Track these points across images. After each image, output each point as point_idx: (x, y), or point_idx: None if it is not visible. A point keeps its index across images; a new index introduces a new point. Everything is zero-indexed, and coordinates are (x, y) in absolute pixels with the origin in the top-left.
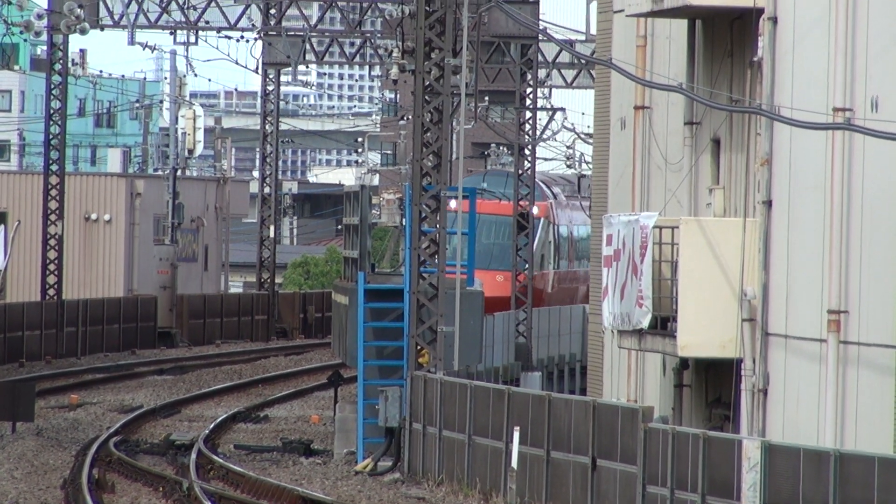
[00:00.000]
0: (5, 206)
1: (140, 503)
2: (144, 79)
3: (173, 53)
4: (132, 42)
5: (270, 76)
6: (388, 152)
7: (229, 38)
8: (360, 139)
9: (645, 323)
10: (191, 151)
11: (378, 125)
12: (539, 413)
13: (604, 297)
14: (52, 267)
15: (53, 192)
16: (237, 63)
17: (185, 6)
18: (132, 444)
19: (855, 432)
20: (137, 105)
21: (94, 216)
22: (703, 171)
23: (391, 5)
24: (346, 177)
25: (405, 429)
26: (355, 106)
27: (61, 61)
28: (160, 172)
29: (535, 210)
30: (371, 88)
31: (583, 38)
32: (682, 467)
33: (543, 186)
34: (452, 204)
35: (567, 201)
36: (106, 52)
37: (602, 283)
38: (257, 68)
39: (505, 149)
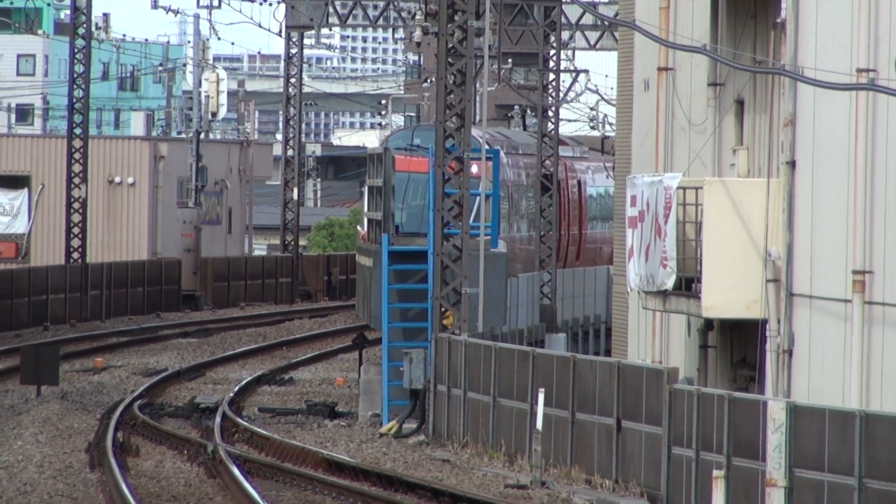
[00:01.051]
0: (29, 170)
1: (165, 466)
2: (168, 42)
3: (196, 17)
4: (155, 6)
5: (293, 39)
6: (412, 114)
7: (252, 1)
8: (383, 101)
9: (669, 284)
10: (214, 114)
11: (401, 87)
12: (564, 375)
13: (628, 258)
14: (76, 230)
15: (77, 156)
16: (260, 26)
17: None
18: (157, 408)
19: (880, 393)
20: (161, 69)
21: (117, 179)
22: (726, 132)
23: None
24: (370, 139)
25: (430, 391)
26: (378, 68)
27: (85, 25)
28: (183, 136)
29: (473, 169)
30: (394, 51)
31: None
32: (708, 428)
33: (483, 142)
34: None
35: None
36: (129, 16)
37: (626, 245)
38: (280, 31)
39: (529, 110)
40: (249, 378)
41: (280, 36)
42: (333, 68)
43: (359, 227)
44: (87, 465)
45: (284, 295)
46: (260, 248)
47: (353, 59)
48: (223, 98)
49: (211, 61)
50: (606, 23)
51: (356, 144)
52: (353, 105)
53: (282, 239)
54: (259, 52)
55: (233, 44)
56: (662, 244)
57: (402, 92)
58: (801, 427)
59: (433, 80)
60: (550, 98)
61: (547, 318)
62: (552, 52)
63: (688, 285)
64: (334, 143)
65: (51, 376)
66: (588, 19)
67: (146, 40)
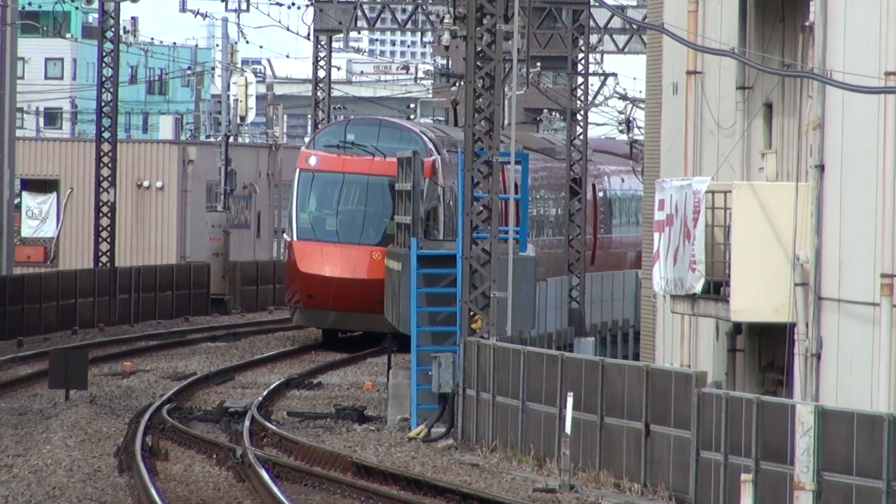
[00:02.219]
0: (58, 174)
1: (194, 470)
2: (196, 46)
3: (225, 20)
4: (184, 9)
5: (322, 43)
6: (440, 118)
7: (280, 4)
8: (411, 105)
9: (698, 287)
10: (243, 118)
11: (430, 91)
12: (592, 378)
13: (655, 261)
14: (104, 234)
15: (106, 160)
16: (288, 30)
17: None
18: (185, 412)
19: None
20: (189, 72)
21: (146, 183)
22: (755, 136)
23: None
24: None
25: (458, 395)
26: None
27: (113, 29)
28: (212, 139)
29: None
30: (423, 55)
31: (634, 3)
32: (736, 432)
33: (426, 140)
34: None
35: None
36: (157, 20)
37: (654, 248)
38: (308, 35)
39: (557, 114)
40: (278, 382)
41: (308, 40)
42: (362, 72)
43: (285, 236)
44: (116, 469)
45: None
46: None
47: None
48: (252, 102)
49: (239, 65)
50: (635, 26)
51: None
52: (381, 109)
53: None
54: (287, 56)
55: (261, 47)
56: (691, 248)
57: (430, 96)
58: (830, 431)
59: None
60: (579, 102)
61: (575, 322)
62: (581, 55)
63: (716, 289)
64: None
65: (79, 380)
66: (616, 23)
67: (174, 44)
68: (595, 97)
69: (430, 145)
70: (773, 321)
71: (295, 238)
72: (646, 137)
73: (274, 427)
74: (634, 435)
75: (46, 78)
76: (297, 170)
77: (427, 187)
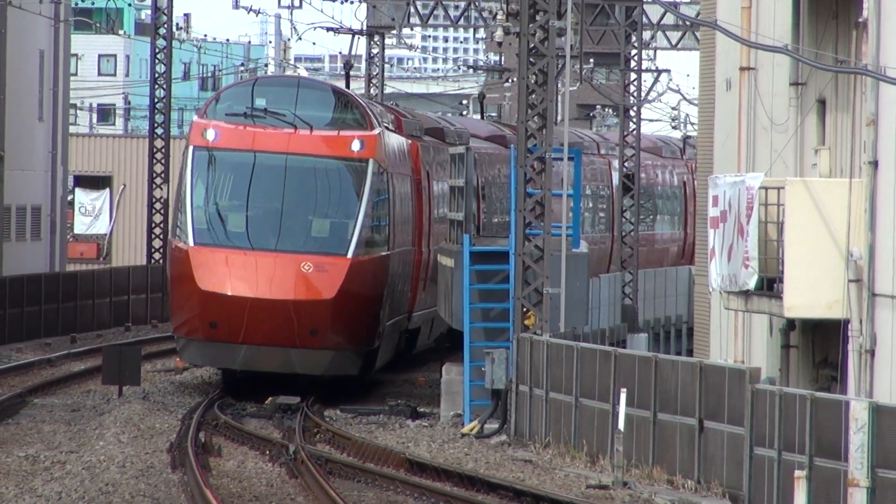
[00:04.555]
0: (111, 170)
1: (247, 467)
2: (249, 43)
3: (278, 17)
4: (237, 6)
5: (375, 39)
6: (493, 114)
7: (333, 0)
8: (464, 101)
9: (751, 284)
10: None
11: (482, 87)
12: (646, 374)
13: (710, 258)
14: (157, 231)
15: (159, 156)
16: (341, 26)
17: None
18: (238, 408)
19: None
20: (242, 69)
21: None
22: (808, 132)
23: None
24: None
25: (511, 391)
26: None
27: (166, 25)
28: None
29: (354, 146)
30: (476, 51)
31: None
32: (790, 429)
33: (365, 108)
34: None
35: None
36: (210, 16)
37: (708, 245)
38: (362, 31)
39: (610, 110)
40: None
41: (362, 36)
42: (415, 68)
43: (172, 239)
44: (169, 466)
45: None
46: None
47: (435, 60)
48: None
49: (292, 61)
50: (688, 23)
51: None
52: (434, 105)
53: None
54: (340, 53)
55: (314, 44)
56: (745, 244)
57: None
58: (884, 427)
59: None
60: (632, 98)
61: (629, 319)
62: (633, 51)
63: (770, 285)
64: None
65: (132, 376)
66: (669, 19)
67: (227, 40)
68: (648, 93)
69: (372, 116)
70: (827, 318)
71: (191, 242)
72: (699, 134)
73: (326, 423)
74: (688, 431)
75: (99, 74)
76: (190, 147)
77: (370, 173)
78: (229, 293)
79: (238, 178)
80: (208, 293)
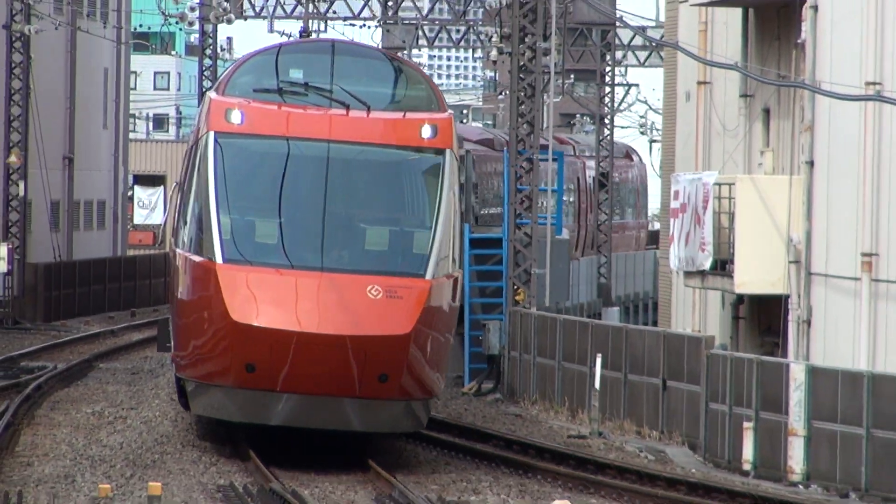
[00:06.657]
0: (164, 170)
1: None
2: None
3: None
4: (271, 30)
5: None
6: (489, 122)
7: (353, 25)
8: (464, 111)
9: (707, 265)
10: None
11: (480, 99)
12: (618, 342)
13: (671, 243)
14: None
15: None
16: None
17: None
18: None
19: (885, 357)
20: None
21: None
22: (755, 137)
23: None
24: None
25: (504, 356)
26: (461, 83)
27: (211, 47)
28: None
29: (425, 132)
30: (474, 68)
31: (653, 24)
32: (739, 387)
33: (436, 86)
34: None
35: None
36: (250, 39)
37: (669, 232)
38: None
39: (587, 118)
40: None
41: None
42: None
43: (183, 252)
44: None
45: None
46: None
47: (440, 76)
48: None
49: None
50: (654, 44)
51: None
52: None
53: None
54: None
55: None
56: (701, 231)
57: (480, 103)
58: (818, 385)
59: (507, 93)
60: (606, 108)
61: (603, 295)
62: (608, 68)
63: (722, 266)
64: None
65: None
66: (638, 41)
67: None
68: (620, 104)
69: (441, 94)
70: (771, 293)
71: (219, 259)
72: (663, 138)
73: None
74: (653, 390)
75: (155, 89)
76: (210, 134)
77: (448, 164)
78: (274, 327)
79: (279, 174)
80: (245, 326)
